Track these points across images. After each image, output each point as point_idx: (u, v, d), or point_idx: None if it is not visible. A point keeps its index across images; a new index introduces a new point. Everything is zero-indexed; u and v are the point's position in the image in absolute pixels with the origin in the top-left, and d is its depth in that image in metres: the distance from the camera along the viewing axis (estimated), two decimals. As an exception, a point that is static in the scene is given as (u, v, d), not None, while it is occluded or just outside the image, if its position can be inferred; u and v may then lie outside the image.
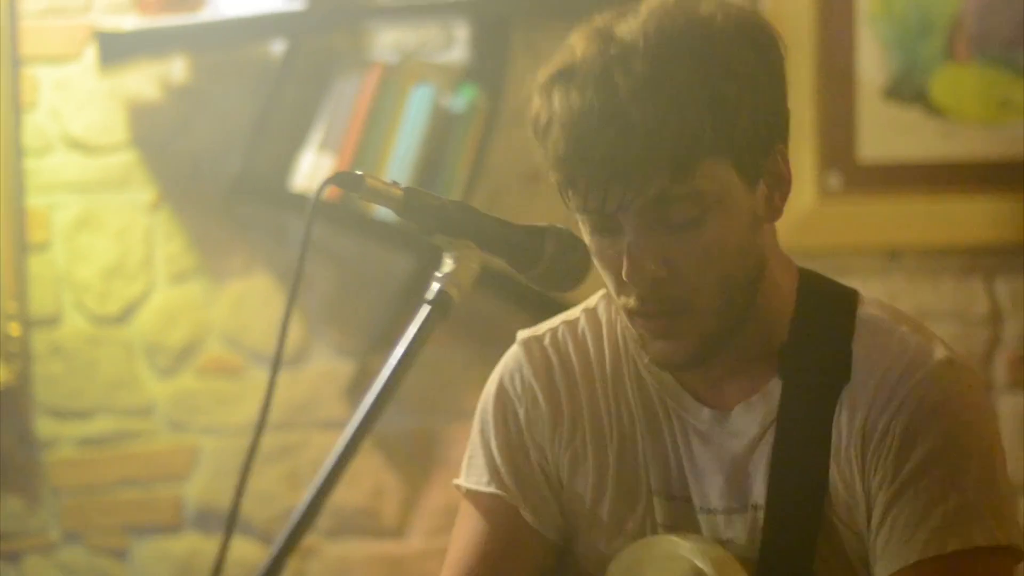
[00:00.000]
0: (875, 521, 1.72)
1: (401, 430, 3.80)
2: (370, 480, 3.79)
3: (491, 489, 1.89)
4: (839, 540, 1.74)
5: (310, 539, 3.78)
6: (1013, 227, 3.50)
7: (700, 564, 1.73)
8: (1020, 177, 3.48)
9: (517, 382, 1.91)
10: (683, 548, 1.76)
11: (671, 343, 1.75)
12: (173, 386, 3.84)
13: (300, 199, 3.49)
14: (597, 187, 1.70)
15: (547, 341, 1.91)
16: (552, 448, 1.86)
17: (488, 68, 3.53)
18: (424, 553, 3.74)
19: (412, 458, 3.79)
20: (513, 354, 1.93)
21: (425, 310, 1.67)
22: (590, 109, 1.68)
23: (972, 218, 3.47)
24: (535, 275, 1.72)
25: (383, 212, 3.38)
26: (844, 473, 1.73)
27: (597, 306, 1.91)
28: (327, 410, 3.72)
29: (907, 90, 3.50)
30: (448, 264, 1.68)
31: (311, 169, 3.48)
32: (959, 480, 1.70)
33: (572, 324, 1.91)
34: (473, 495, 1.91)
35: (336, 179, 1.64)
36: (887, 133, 3.47)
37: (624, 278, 1.73)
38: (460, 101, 3.51)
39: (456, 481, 1.94)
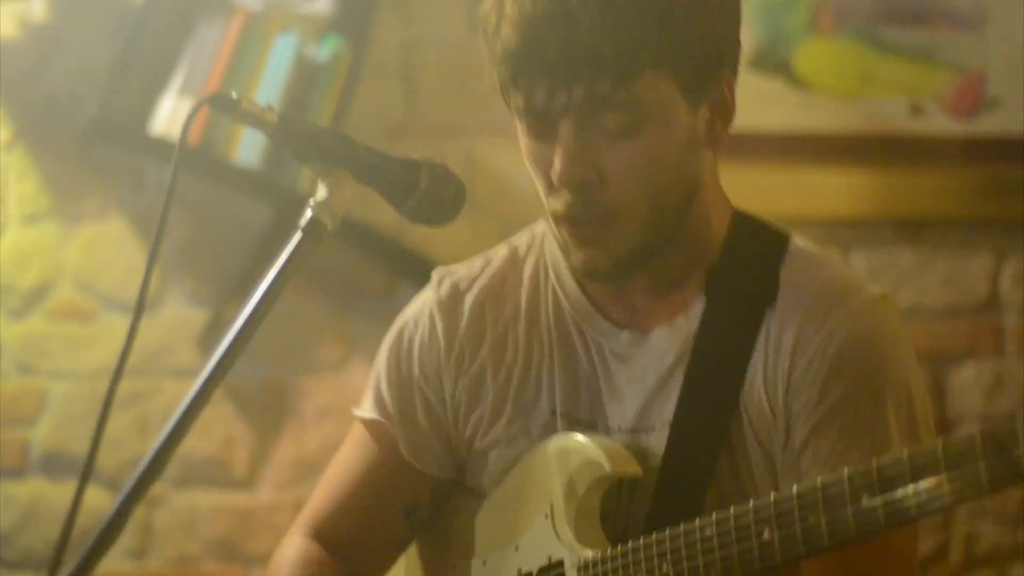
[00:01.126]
0: (795, 445, 1.73)
1: (253, 381, 3.77)
2: (220, 430, 3.76)
3: (374, 416, 1.91)
4: (743, 461, 1.75)
5: (158, 488, 3.75)
6: (870, 200, 3.55)
7: (593, 454, 1.74)
8: (879, 151, 3.53)
9: (420, 315, 1.93)
10: (578, 442, 1.77)
11: (595, 251, 1.77)
12: (22, 328, 3.78)
13: (159, 143, 3.44)
14: (541, 86, 1.73)
15: (459, 274, 1.93)
16: (448, 378, 1.87)
17: (353, 20, 3.51)
18: (273, 505, 3.72)
19: (264, 409, 3.77)
20: (423, 292, 1.95)
21: (297, 236, 1.68)
22: (542, 11, 1.72)
23: (830, 191, 3.51)
24: (409, 207, 1.74)
25: (243, 160, 3.35)
26: (770, 391, 1.74)
27: (520, 244, 1.93)
28: (179, 358, 3.68)
29: (770, 61, 3.53)
30: (321, 192, 1.69)
31: (171, 113, 3.44)
32: (882, 414, 1.73)
33: (489, 259, 1.94)
34: (359, 422, 1.94)
35: (211, 100, 1.65)
36: (749, 103, 3.47)
37: (554, 180, 1.75)
38: (324, 51, 3.49)
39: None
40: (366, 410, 1.93)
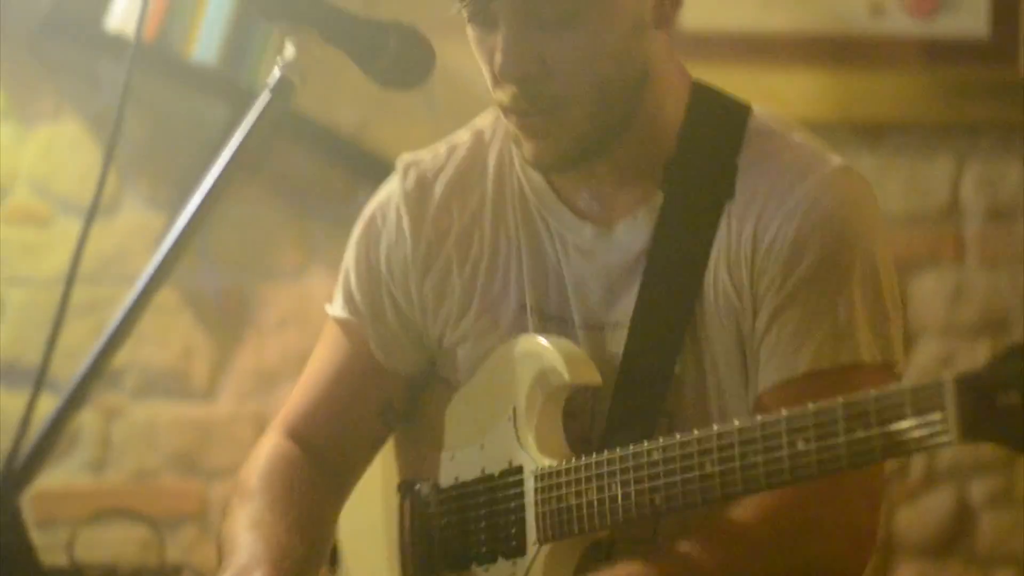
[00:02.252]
0: (760, 327, 1.72)
1: (212, 289, 3.73)
2: (179, 340, 3.73)
3: (344, 316, 1.89)
4: (707, 359, 1.73)
5: (116, 400, 3.72)
6: (829, 103, 3.53)
7: (555, 362, 1.73)
8: (838, 52, 3.50)
9: (386, 208, 1.90)
10: (542, 347, 1.76)
11: (543, 142, 1.75)
12: (-24, 234, 3.74)
13: (114, 40, 3.37)
14: None
15: (425, 164, 1.90)
16: (415, 275, 1.86)
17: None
18: (233, 416, 3.70)
19: (223, 318, 3.73)
20: (389, 181, 1.91)
21: (265, 97, 1.66)
22: None
23: (789, 93, 3.47)
24: (378, 70, 1.72)
25: (200, 57, 3.30)
26: (735, 280, 1.72)
27: (484, 127, 1.90)
28: (137, 264, 3.63)
29: (727, -41, 3.49)
30: (289, 51, 1.68)
31: (125, 9, 3.37)
32: (847, 292, 1.70)
33: (454, 146, 1.91)
34: (331, 321, 1.93)
35: None
36: (707, 3, 3.44)
37: (496, 73, 1.72)
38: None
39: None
40: (336, 308, 1.91)
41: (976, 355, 3.67)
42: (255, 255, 3.71)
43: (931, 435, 1.44)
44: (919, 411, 1.45)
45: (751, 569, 1.66)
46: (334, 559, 1.98)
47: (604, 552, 1.72)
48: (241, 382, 3.69)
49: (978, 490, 3.65)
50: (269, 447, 1.87)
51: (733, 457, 1.55)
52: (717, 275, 1.73)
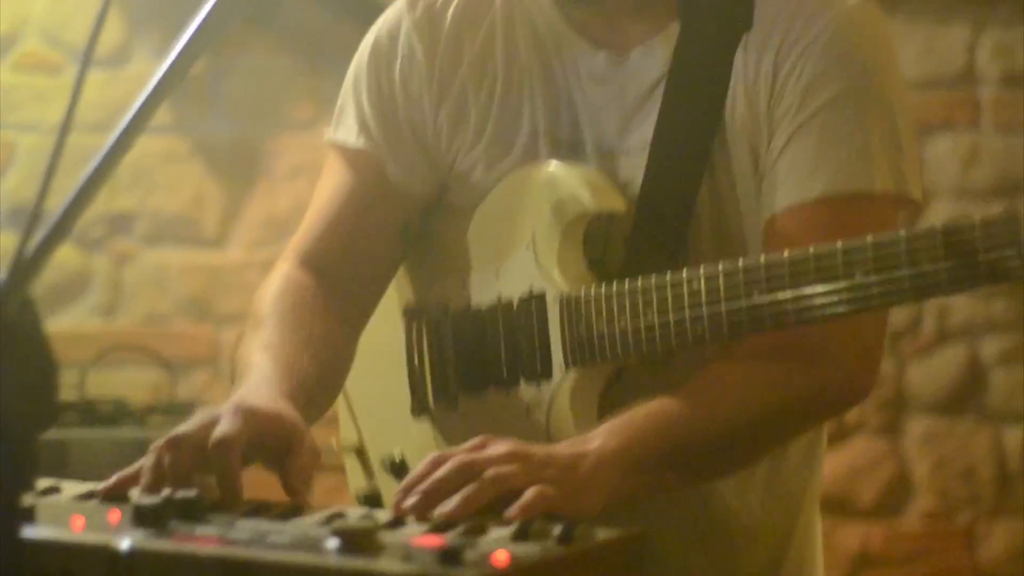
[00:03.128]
0: (775, 150, 1.70)
1: (224, 138, 3.74)
2: (190, 188, 3.74)
3: (359, 144, 1.85)
4: (726, 189, 1.72)
5: (126, 245, 3.75)
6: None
7: (577, 187, 1.72)
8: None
9: (395, 36, 1.86)
10: (562, 172, 1.74)
11: None
12: (-11, 79, 3.74)
13: None
14: None
15: None
16: (430, 102, 1.83)
17: None
18: (244, 264, 3.72)
19: (234, 168, 3.74)
20: (395, 7, 1.88)
21: None
22: None
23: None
24: None
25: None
26: (753, 107, 1.70)
27: None
28: (147, 114, 3.65)
29: None
30: None
31: None
32: (865, 123, 1.69)
33: None
34: (340, 149, 1.87)
35: None
36: None
37: None
38: None
39: (327, 136, 1.89)
40: (350, 138, 1.86)
41: (989, 218, 3.67)
42: (267, 106, 3.71)
43: (1002, 267, 1.43)
44: (989, 244, 1.44)
45: (767, 403, 1.64)
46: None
47: (616, 377, 1.70)
48: (251, 230, 3.71)
49: (989, 348, 3.67)
50: (281, 275, 1.84)
51: (784, 287, 1.54)
52: (735, 103, 1.71)
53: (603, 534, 1.20)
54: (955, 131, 3.64)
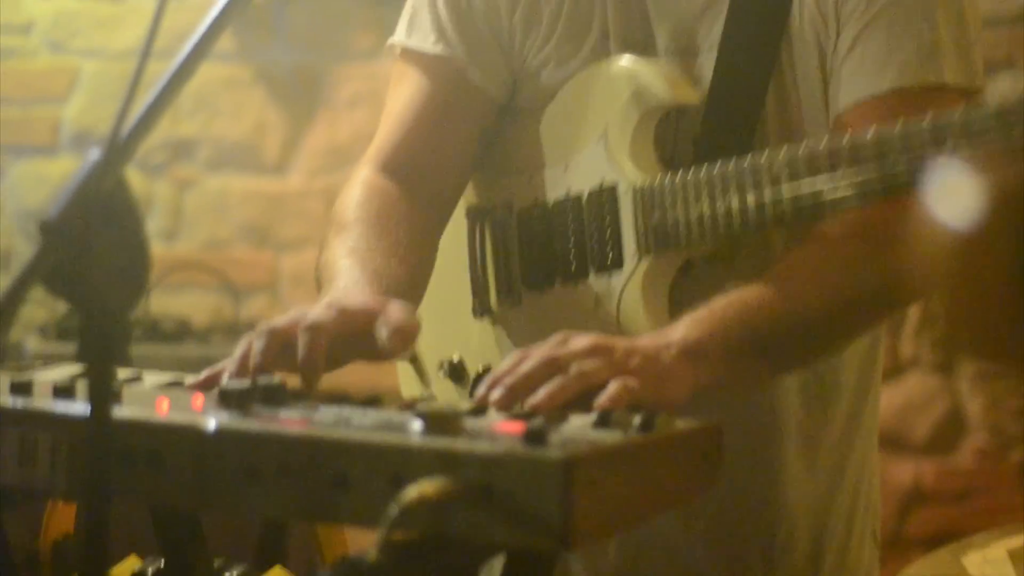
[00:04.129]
0: (844, 46, 1.69)
1: (287, 66, 3.75)
2: (252, 115, 3.76)
3: (437, 49, 1.84)
4: (792, 90, 1.71)
5: (188, 171, 3.77)
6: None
7: (653, 79, 1.71)
8: None
9: None
10: (637, 65, 1.74)
11: None
12: (53, 6, 3.76)
13: None
14: None
15: None
16: (505, 5, 1.81)
17: None
18: (304, 192, 3.74)
19: (296, 96, 3.76)
20: None
21: None
22: None
23: None
24: None
25: None
26: (821, 5, 1.67)
27: None
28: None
29: None
30: None
31: None
32: (933, 16, 1.67)
33: None
34: (415, 56, 1.86)
35: None
36: None
37: None
38: None
39: (394, 40, 1.88)
40: (426, 44, 1.84)
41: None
42: (329, 35, 3.71)
43: None
44: None
45: (845, 288, 1.63)
46: None
47: (683, 270, 1.70)
48: (312, 158, 3.73)
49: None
50: (362, 180, 1.84)
51: (869, 168, 1.52)
52: (802, 2, 1.71)
53: (683, 424, 1.22)
54: (1016, 69, 3.62)
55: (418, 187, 1.83)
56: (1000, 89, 3.58)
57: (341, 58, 3.73)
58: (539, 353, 1.41)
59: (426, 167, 1.84)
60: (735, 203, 1.61)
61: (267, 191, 3.77)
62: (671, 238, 1.67)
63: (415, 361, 1.92)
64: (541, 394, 1.36)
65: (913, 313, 3.66)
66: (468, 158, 1.86)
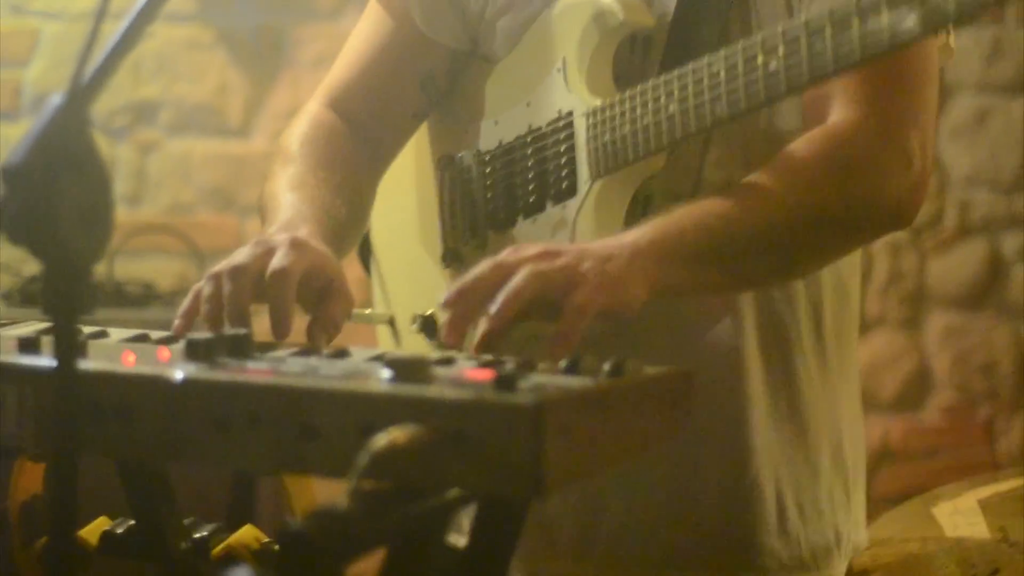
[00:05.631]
0: None
1: (249, 26, 3.73)
2: (214, 77, 3.74)
3: None
4: (755, 12, 1.69)
5: (150, 134, 3.75)
6: None
7: (607, 4, 1.71)
8: None
9: None
10: None
11: None
12: (12, -33, 3.73)
13: None
14: None
15: None
16: None
17: None
18: (268, 153, 3.71)
19: (259, 56, 3.74)
20: None
21: None
22: None
23: None
24: None
25: None
26: None
27: None
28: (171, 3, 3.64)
29: None
30: None
31: None
32: None
33: None
34: None
35: None
36: None
37: None
38: None
39: None
40: None
41: (1012, 112, 3.66)
42: (292, -6, 3.70)
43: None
44: None
45: (808, 207, 1.61)
46: (365, 255, 2.00)
47: (641, 208, 1.69)
48: (276, 120, 3.71)
49: (1011, 243, 3.67)
50: (310, 115, 1.86)
51: (799, 49, 1.49)
52: None
53: (653, 369, 1.21)
54: (978, 26, 3.62)
55: (362, 126, 1.84)
56: (963, 44, 3.58)
57: (304, 18, 3.71)
58: (488, 262, 1.41)
59: (371, 107, 1.84)
60: (675, 108, 1.59)
61: (230, 154, 3.75)
62: (620, 155, 1.65)
63: (392, 324, 1.93)
64: (499, 298, 1.36)
65: (879, 271, 3.67)
66: (412, 99, 1.87)
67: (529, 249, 1.42)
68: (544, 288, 1.38)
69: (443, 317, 1.40)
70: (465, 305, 1.37)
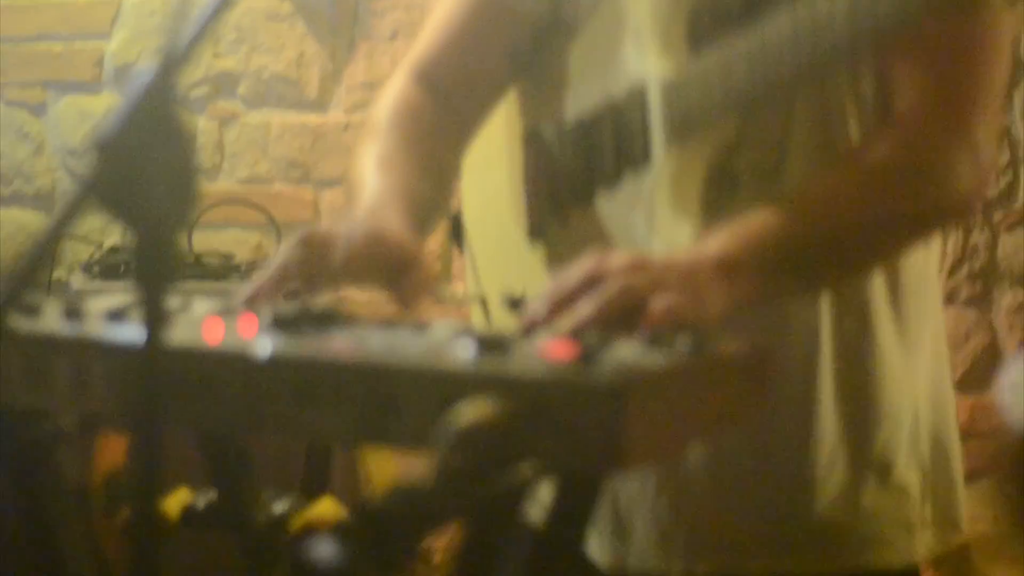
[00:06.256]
0: None
1: (326, -1, 3.75)
2: (292, 48, 3.75)
3: None
4: None
5: (228, 105, 3.77)
6: None
7: None
8: None
9: None
10: None
11: None
12: (93, -61, 3.76)
13: None
14: None
15: None
16: None
17: None
18: (344, 125, 3.74)
19: (337, 28, 3.75)
20: None
21: None
22: None
23: None
24: None
25: None
26: None
27: None
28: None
29: None
30: None
31: None
32: None
33: None
34: None
35: None
36: None
37: None
38: None
39: None
40: None
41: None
42: (369, -34, 3.70)
43: None
44: None
45: (881, 214, 1.62)
46: (458, 233, 2.00)
47: (728, 184, 1.69)
48: (352, 92, 3.72)
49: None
50: (397, 90, 1.87)
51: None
52: None
53: (731, 346, 1.22)
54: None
55: (449, 100, 1.84)
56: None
57: (381, -6, 3.72)
58: (577, 272, 1.41)
59: (457, 79, 1.86)
60: (743, 70, 1.59)
61: (308, 125, 3.77)
62: (694, 123, 1.66)
63: (484, 303, 1.94)
64: (585, 309, 1.36)
65: (949, 247, 3.64)
66: (499, 71, 1.87)
67: (617, 259, 1.43)
68: (630, 303, 1.38)
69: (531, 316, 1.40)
70: (555, 311, 1.38)
